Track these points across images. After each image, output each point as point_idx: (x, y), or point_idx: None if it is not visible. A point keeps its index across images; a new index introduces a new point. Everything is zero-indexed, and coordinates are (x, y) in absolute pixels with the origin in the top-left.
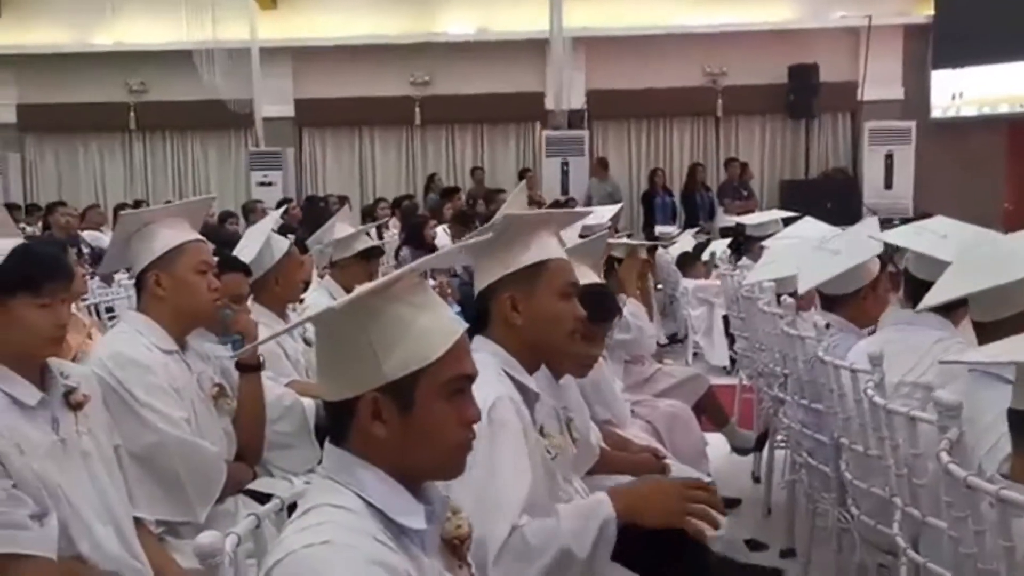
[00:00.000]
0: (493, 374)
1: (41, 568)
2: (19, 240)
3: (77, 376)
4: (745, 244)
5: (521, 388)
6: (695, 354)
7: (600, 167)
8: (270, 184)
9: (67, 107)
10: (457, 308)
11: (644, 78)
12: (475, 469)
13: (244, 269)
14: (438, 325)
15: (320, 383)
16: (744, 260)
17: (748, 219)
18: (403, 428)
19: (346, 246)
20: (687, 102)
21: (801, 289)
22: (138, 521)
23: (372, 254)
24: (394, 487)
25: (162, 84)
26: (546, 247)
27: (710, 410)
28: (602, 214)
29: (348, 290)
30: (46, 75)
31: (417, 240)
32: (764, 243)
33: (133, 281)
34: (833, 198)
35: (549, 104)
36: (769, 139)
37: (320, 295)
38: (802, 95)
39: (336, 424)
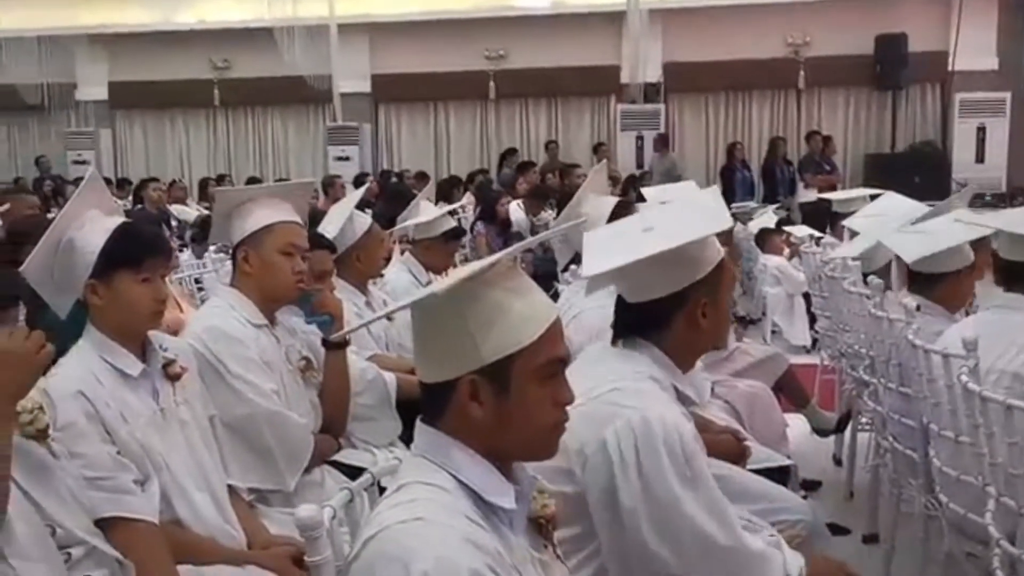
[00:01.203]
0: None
1: (145, 531)
2: (121, 218)
3: (175, 348)
4: (829, 221)
5: (681, 398)
6: (773, 332)
7: (660, 142)
8: (347, 159)
9: (155, 84)
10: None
11: (723, 50)
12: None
13: (330, 246)
14: (533, 309)
15: (417, 365)
16: (828, 237)
17: (833, 195)
18: (499, 410)
19: (429, 227)
20: (768, 74)
21: (910, 258)
22: (231, 489)
23: (454, 236)
24: (485, 467)
25: (244, 61)
26: (716, 248)
27: (790, 390)
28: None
29: (428, 268)
30: (135, 53)
31: (491, 215)
32: (848, 221)
33: (227, 255)
34: (921, 172)
35: (624, 77)
36: (853, 111)
37: (400, 272)
38: (889, 66)
39: (431, 404)
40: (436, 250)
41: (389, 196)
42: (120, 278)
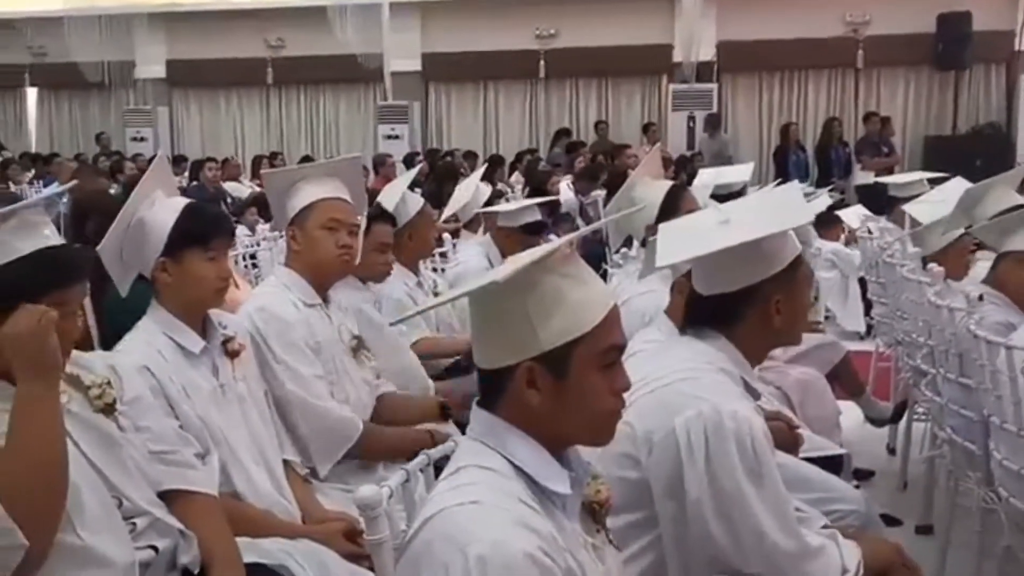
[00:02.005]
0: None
1: (205, 504)
2: (184, 199)
3: (233, 326)
4: (887, 205)
5: (749, 391)
6: (826, 317)
7: (712, 123)
8: (397, 137)
9: (211, 63)
10: None
11: (779, 28)
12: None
13: (391, 219)
14: (591, 296)
15: (476, 350)
16: (884, 222)
17: (891, 179)
18: (556, 396)
19: (514, 216)
20: (825, 53)
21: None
22: (287, 463)
23: (535, 230)
24: (541, 452)
25: (298, 40)
26: (794, 243)
27: (844, 378)
28: (738, 173)
29: (504, 254)
30: (192, 33)
31: (541, 195)
32: (909, 206)
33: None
34: (983, 155)
35: (677, 56)
36: (913, 92)
37: (478, 256)
38: (951, 45)
39: (488, 390)
40: (514, 240)
41: (438, 175)
42: (189, 256)
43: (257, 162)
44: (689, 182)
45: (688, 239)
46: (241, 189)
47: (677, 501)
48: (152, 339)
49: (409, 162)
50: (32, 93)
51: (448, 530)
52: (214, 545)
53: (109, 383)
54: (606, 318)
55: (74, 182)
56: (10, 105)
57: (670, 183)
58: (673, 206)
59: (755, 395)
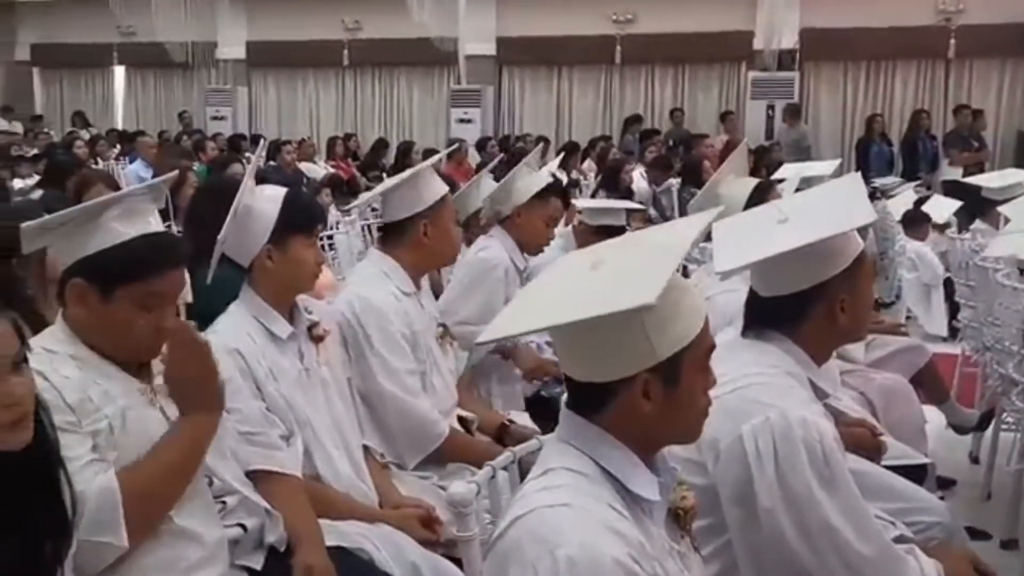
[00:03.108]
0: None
1: (289, 485)
2: (282, 188)
3: (318, 312)
4: (981, 207)
5: (817, 392)
6: (908, 318)
7: (791, 113)
8: (469, 121)
9: (289, 44)
10: None
11: (866, 16)
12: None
13: (565, 195)
14: (694, 301)
15: (577, 364)
16: (977, 223)
17: (985, 179)
18: (666, 403)
19: (597, 214)
20: (914, 42)
21: None
22: (366, 449)
23: (613, 232)
24: (631, 458)
25: (374, 22)
26: (857, 241)
27: (929, 383)
28: (823, 168)
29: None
30: (272, 14)
31: (613, 184)
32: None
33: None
34: None
35: (758, 44)
36: (1008, 85)
37: (556, 247)
38: None
39: (587, 400)
40: (590, 238)
41: (510, 162)
42: (294, 243)
43: (332, 143)
44: (767, 172)
45: (745, 241)
46: (316, 170)
47: (745, 508)
48: (243, 323)
49: (482, 147)
50: (120, 72)
51: (538, 530)
52: (298, 525)
53: None
54: (706, 319)
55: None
56: (99, 83)
57: (756, 180)
58: (758, 205)
59: (823, 395)
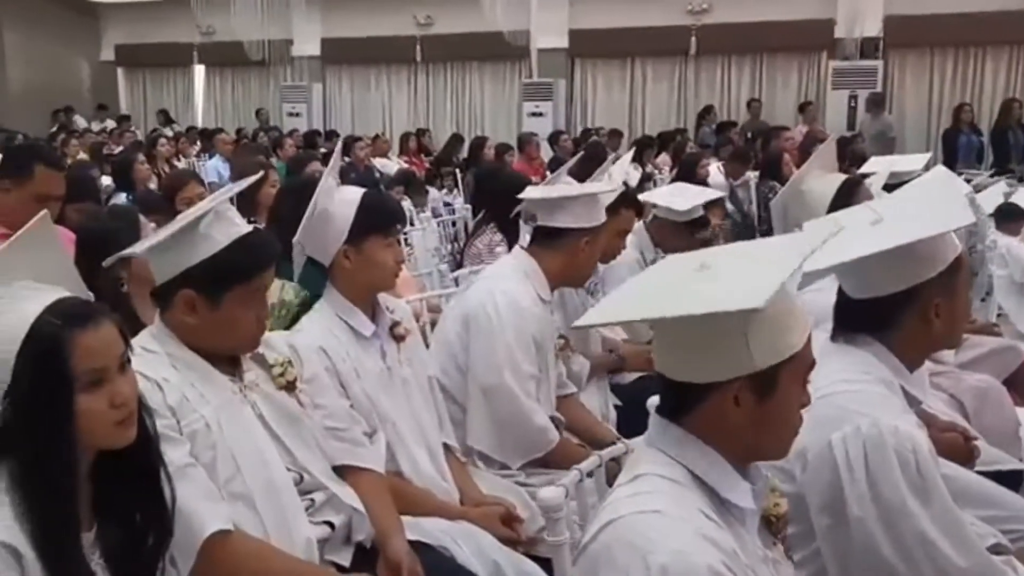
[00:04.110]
0: (888, 391)
1: (373, 481)
2: (360, 188)
3: (399, 311)
4: None
5: (909, 398)
6: (999, 315)
7: (874, 102)
8: (541, 115)
9: (362, 40)
10: None
11: (954, 1)
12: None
13: (639, 208)
14: (797, 313)
15: (671, 362)
16: None
17: None
18: (756, 413)
19: (678, 212)
20: (1006, 28)
21: None
22: (446, 447)
23: (700, 225)
24: (724, 465)
25: (446, 17)
26: (954, 243)
27: (1022, 385)
28: (912, 162)
29: (657, 246)
30: (346, 11)
31: (689, 179)
32: None
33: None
34: None
35: (839, 32)
36: None
37: (629, 245)
38: None
39: (677, 402)
40: (676, 234)
41: (585, 156)
42: (370, 244)
43: (405, 139)
44: (851, 165)
45: (837, 240)
46: (389, 165)
47: (834, 517)
48: (327, 321)
49: (554, 140)
50: (200, 70)
51: (629, 537)
52: (383, 520)
53: (290, 362)
54: (808, 338)
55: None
56: (180, 81)
57: (842, 176)
58: (846, 202)
59: (916, 402)
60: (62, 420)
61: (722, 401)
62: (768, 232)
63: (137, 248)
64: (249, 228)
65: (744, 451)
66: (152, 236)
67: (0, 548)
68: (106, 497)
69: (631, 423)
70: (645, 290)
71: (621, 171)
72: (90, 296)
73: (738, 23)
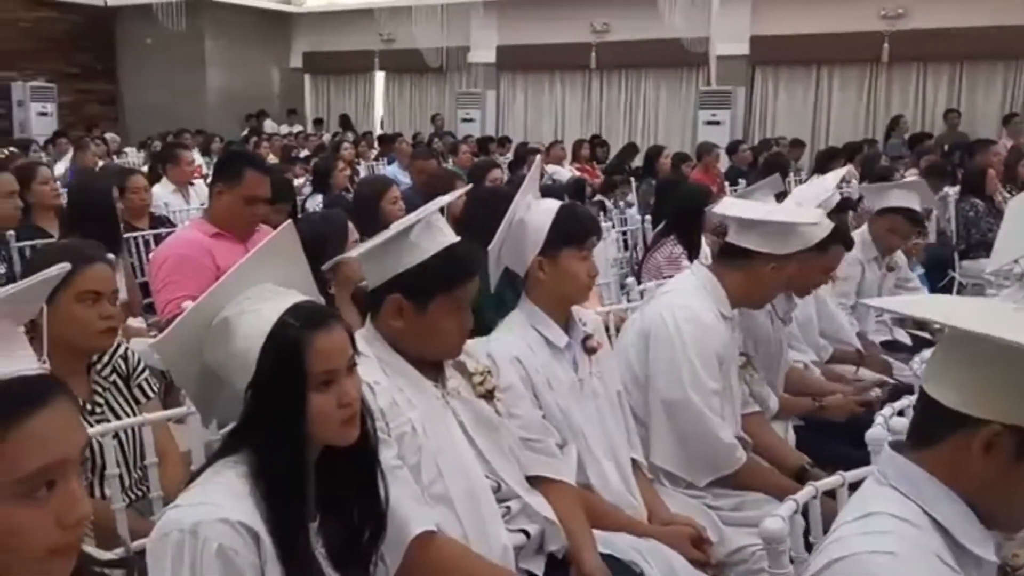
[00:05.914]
0: None
1: (566, 492)
2: (556, 201)
3: (592, 324)
4: None
5: None
6: None
7: None
8: (717, 123)
9: (537, 48)
10: (920, 270)
11: None
12: None
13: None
14: None
15: (957, 385)
16: None
17: None
18: (1008, 470)
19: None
20: None
21: None
22: (634, 462)
23: (919, 220)
24: (965, 511)
25: (624, 24)
26: None
27: None
28: None
29: (877, 243)
30: (522, 18)
31: None
32: None
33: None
34: None
35: None
36: None
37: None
38: None
39: (926, 432)
40: (892, 226)
41: (765, 168)
42: (565, 255)
43: (578, 146)
44: None
45: None
46: (562, 172)
47: None
48: (522, 332)
49: (732, 150)
50: (380, 77)
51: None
52: (575, 531)
53: (490, 371)
54: None
55: (456, 192)
56: (361, 87)
57: None
58: None
59: None
60: (296, 415)
61: (969, 440)
62: (967, 253)
63: (353, 253)
64: (456, 239)
65: (986, 501)
66: (368, 242)
67: (244, 531)
68: (328, 492)
69: (812, 445)
70: (960, 307)
71: (830, 203)
72: (323, 301)
73: (936, 28)
